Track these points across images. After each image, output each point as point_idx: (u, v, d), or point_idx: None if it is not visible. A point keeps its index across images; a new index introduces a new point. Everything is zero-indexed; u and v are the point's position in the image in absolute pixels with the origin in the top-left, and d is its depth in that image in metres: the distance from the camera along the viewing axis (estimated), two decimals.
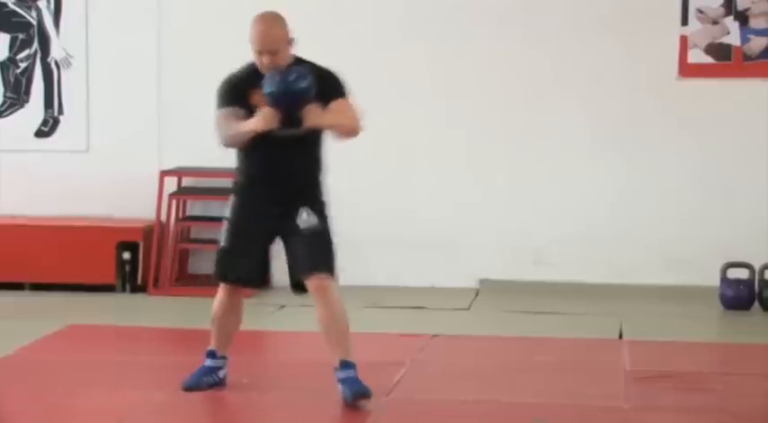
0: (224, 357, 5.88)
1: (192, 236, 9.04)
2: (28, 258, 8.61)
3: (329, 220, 5.62)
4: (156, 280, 8.64)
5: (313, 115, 5.38)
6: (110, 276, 8.63)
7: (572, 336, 7.38)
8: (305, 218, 5.55)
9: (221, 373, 5.87)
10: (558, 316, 7.96)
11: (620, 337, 7.38)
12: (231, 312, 5.84)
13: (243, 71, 5.67)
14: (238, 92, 5.57)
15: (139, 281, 8.67)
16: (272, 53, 5.45)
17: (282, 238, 5.63)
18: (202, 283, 8.76)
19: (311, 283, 5.53)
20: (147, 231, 8.69)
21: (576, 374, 6.44)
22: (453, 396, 5.95)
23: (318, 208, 5.60)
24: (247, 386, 6.07)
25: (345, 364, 5.50)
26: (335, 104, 5.48)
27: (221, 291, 5.84)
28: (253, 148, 5.52)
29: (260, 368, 6.64)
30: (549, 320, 7.85)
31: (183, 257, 8.93)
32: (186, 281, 8.86)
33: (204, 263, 8.99)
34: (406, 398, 5.72)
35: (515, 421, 5.57)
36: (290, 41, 5.52)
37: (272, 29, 5.52)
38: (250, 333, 7.52)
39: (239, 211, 5.68)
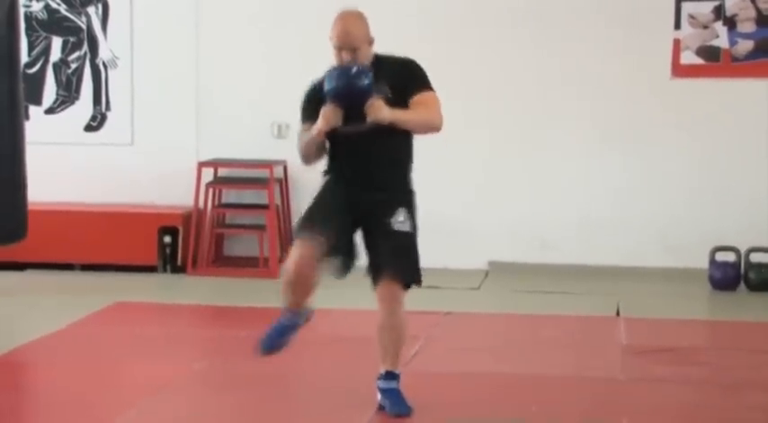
0: (298, 312, 5.15)
1: (227, 222, 9.04)
2: (78, 241, 8.63)
3: (416, 220, 5.15)
4: (195, 261, 8.65)
5: (375, 110, 4.87)
6: (152, 258, 8.64)
7: (574, 313, 7.37)
8: (401, 220, 5.05)
9: (301, 320, 5.21)
10: (562, 295, 7.95)
11: (618, 314, 7.37)
12: (302, 273, 4.95)
13: (321, 79, 5.04)
14: (314, 104, 5.02)
15: (179, 262, 8.68)
16: (353, 51, 4.94)
17: (368, 232, 5.06)
18: (236, 265, 8.80)
19: (383, 287, 4.99)
20: (186, 217, 8.70)
21: (577, 349, 6.43)
22: (464, 368, 5.95)
23: (408, 208, 5.10)
24: (277, 359, 6.07)
25: (391, 376, 5.08)
26: (417, 98, 4.98)
27: (293, 249, 5.00)
28: (332, 148, 5.08)
29: (296, 341, 6.65)
30: (553, 300, 7.83)
31: (218, 241, 8.93)
32: (222, 262, 8.86)
33: (238, 246, 9.03)
34: (421, 370, 5.72)
35: (522, 391, 5.57)
36: (370, 40, 5.02)
37: (353, 27, 4.97)
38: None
39: (324, 191, 5.10)
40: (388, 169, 5.08)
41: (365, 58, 4.97)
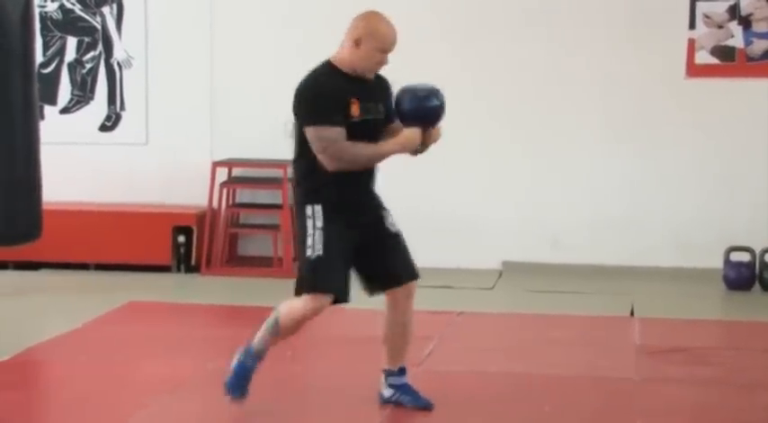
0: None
1: (241, 221, 9.05)
2: (92, 241, 8.64)
3: None
4: (209, 261, 8.65)
5: (436, 135, 4.86)
6: (166, 258, 8.65)
7: (587, 313, 7.35)
8: (391, 221, 4.98)
9: None
10: (575, 295, 7.93)
11: (632, 314, 7.35)
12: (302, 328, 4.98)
13: (330, 76, 4.82)
14: (340, 105, 4.76)
15: (193, 262, 8.69)
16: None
17: (367, 244, 4.92)
18: (250, 264, 8.80)
19: (406, 289, 4.97)
20: (200, 217, 8.70)
21: (590, 348, 6.41)
22: (478, 367, 5.94)
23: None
24: (291, 359, 6.08)
25: (404, 371, 5.12)
26: (396, 125, 4.93)
27: (309, 302, 4.85)
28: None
29: (303, 343, 6.64)
30: (566, 299, 7.81)
31: (232, 241, 8.94)
32: (236, 262, 8.87)
33: (252, 246, 9.03)
34: (435, 369, 5.71)
35: (535, 391, 5.55)
36: None
37: (395, 30, 4.81)
38: None
39: (332, 221, 4.83)
40: (374, 175, 5.01)
41: None
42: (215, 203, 8.71)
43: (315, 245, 4.81)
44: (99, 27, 9.05)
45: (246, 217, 9.06)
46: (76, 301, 7.60)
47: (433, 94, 4.87)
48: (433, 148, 4.98)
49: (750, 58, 8.43)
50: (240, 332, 6.61)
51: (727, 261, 8.16)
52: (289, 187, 8.65)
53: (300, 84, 4.88)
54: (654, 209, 8.56)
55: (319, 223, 4.82)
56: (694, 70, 8.47)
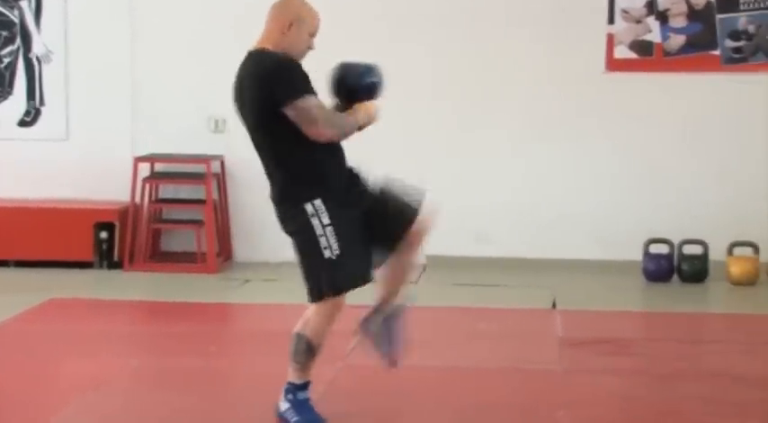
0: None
1: (164, 216, 8.96)
2: (12, 237, 8.51)
3: None
4: (131, 257, 8.56)
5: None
6: (88, 254, 8.54)
7: (510, 306, 7.39)
8: (372, 181, 4.86)
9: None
10: (498, 288, 7.97)
11: (554, 306, 7.40)
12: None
13: (288, 58, 4.68)
14: (309, 79, 4.65)
15: (116, 258, 8.58)
16: None
17: (368, 212, 4.78)
18: (174, 260, 8.71)
19: (421, 222, 4.91)
20: (123, 212, 8.60)
21: (514, 341, 6.45)
22: (404, 361, 5.93)
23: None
24: (215, 354, 6.04)
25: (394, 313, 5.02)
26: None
27: (330, 306, 4.68)
28: (313, 145, 4.64)
29: (227, 338, 6.60)
30: (490, 293, 7.85)
31: (155, 236, 8.84)
32: (159, 258, 8.78)
33: (175, 241, 8.94)
34: (359, 363, 5.69)
35: (459, 384, 5.57)
36: None
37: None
38: (217, 305, 7.51)
39: (334, 210, 4.64)
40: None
41: None
42: (137, 199, 8.61)
43: (330, 244, 4.61)
44: (17, 21, 8.89)
45: (169, 212, 8.97)
46: None
47: (376, 69, 4.84)
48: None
49: (667, 53, 8.53)
50: (163, 328, 6.58)
51: (646, 253, 8.26)
52: (212, 182, 8.60)
53: (256, 71, 4.65)
54: (575, 203, 8.62)
55: (326, 219, 4.62)
56: (614, 65, 8.55)
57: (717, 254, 8.17)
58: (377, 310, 5.01)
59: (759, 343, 6.52)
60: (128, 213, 8.58)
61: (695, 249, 8.22)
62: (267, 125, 4.65)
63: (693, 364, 5.99)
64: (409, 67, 8.61)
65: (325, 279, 4.63)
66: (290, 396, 4.77)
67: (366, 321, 5.02)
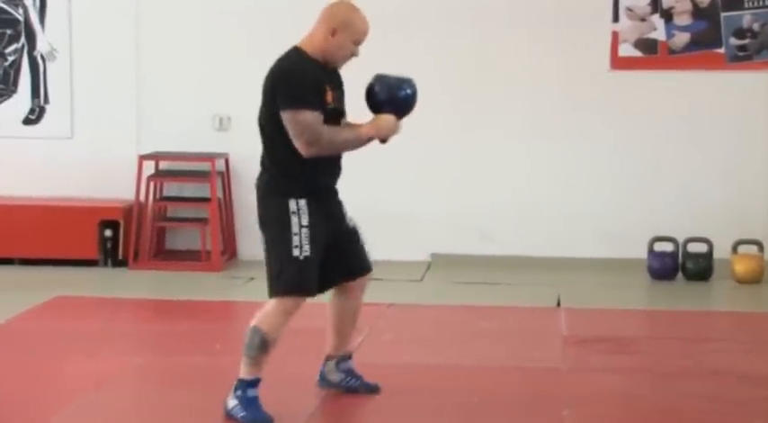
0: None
1: (169, 215, 8.96)
2: (18, 235, 8.51)
3: None
4: (136, 255, 8.56)
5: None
6: (93, 252, 8.54)
7: (514, 304, 7.38)
8: (350, 216, 5.00)
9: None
10: (502, 286, 7.96)
11: (558, 305, 7.39)
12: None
13: (308, 64, 4.73)
14: (319, 90, 4.69)
15: (120, 256, 8.58)
16: None
17: (334, 240, 4.87)
18: (178, 258, 8.72)
19: (363, 280, 5.06)
20: (127, 211, 8.60)
21: (517, 339, 6.44)
22: (407, 359, 5.94)
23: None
24: (220, 352, 6.04)
25: (351, 356, 5.24)
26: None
27: (290, 303, 4.75)
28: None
29: (232, 335, 6.59)
30: (493, 291, 7.84)
31: (160, 234, 8.84)
32: (163, 256, 8.78)
33: (179, 239, 8.94)
34: (366, 361, 5.69)
35: (464, 382, 5.56)
36: None
37: (368, 24, 4.84)
38: (222, 303, 7.51)
39: (315, 215, 4.74)
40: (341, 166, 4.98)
41: None
42: (142, 197, 8.61)
43: (302, 245, 4.70)
44: (21, 19, 8.90)
45: (174, 210, 8.97)
46: (2, 296, 7.46)
47: (408, 83, 4.90)
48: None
49: (672, 51, 8.52)
50: (168, 326, 6.58)
51: (651, 251, 8.25)
52: (217, 180, 8.59)
53: (275, 68, 4.76)
54: (580, 201, 8.62)
55: (305, 220, 4.71)
56: (618, 63, 8.54)
57: (721, 252, 8.16)
58: (329, 357, 5.19)
59: (763, 341, 6.52)
60: (132, 211, 8.58)
61: (700, 247, 8.21)
62: (273, 120, 4.74)
63: (698, 363, 5.99)
64: (413, 66, 8.54)
65: (290, 277, 4.71)
66: (239, 393, 4.80)
67: (323, 376, 5.22)
